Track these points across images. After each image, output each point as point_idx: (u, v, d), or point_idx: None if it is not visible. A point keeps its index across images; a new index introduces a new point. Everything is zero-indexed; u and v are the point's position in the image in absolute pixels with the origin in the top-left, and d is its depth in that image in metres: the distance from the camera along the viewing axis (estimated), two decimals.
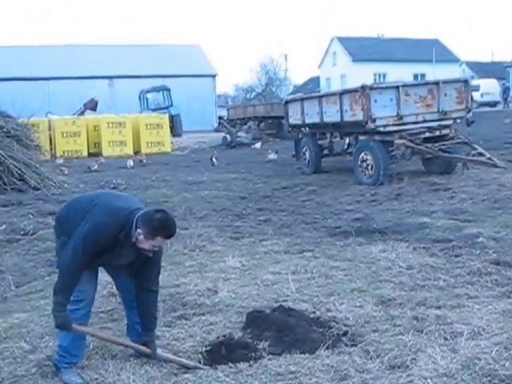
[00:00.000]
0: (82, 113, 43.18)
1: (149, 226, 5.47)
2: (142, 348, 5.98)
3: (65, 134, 33.45)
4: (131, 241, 5.56)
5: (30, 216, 14.37)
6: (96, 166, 26.08)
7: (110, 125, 34.19)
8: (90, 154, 33.34)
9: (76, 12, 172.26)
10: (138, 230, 5.49)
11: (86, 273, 5.70)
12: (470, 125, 19.91)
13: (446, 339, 6.03)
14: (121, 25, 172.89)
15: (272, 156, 26.72)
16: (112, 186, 19.65)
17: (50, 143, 33.00)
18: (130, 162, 26.91)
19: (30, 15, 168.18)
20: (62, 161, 28.15)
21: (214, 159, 26.35)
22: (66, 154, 32.46)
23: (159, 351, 6.03)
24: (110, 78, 61.89)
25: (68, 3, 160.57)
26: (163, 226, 5.51)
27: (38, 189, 18.47)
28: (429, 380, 5.16)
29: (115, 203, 5.77)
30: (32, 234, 12.38)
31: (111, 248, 5.61)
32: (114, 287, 8.20)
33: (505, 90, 56.05)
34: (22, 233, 12.56)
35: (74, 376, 5.70)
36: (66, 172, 23.78)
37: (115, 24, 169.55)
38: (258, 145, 32.58)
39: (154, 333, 6.09)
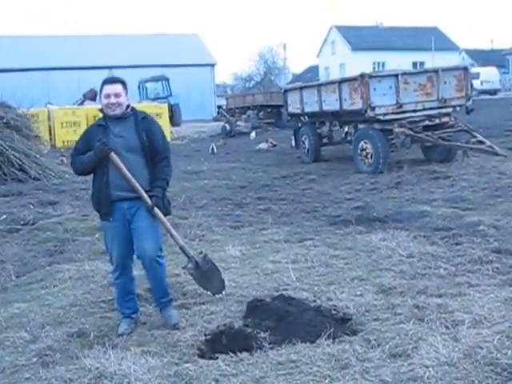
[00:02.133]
0: (82, 103, 43.05)
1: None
2: (146, 197, 6.48)
3: (64, 124, 33.30)
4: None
5: (30, 206, 14.41)
6: None
7: None
8: None
9: (75, 2, 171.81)
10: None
11: None
12: (469, 113, 19.83)
13: (447, 328, 6.01)
14: (120, 15, 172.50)
15: (262, 145, 26.76)
16: None
17: (50, 133, 32.90)
18: None
19: (30, 5, 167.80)
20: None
21: (214, 147, 26.39)
22: (65, 143, 32.39)
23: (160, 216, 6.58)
24: (110, 68, 61.66)
25: None
26: (104, 81, 6.65)
27: (38, 179, 18.50)
28: (430, 369, 5.15)
29: None
30: (32, 224, 12.37)
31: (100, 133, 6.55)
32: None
33: None
34: (22, 223, 12.56)
35: (123, 325, 6.66)
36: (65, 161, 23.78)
37: (114, 14, 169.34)
38: (253, 134, 32.51)
39: (159, 190, 6.57)
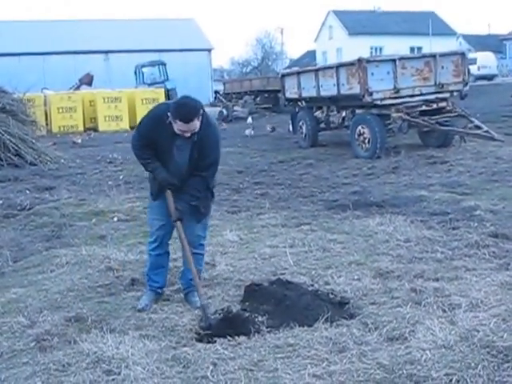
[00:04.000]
0: (78, 88, 42.93)
1: (171, 110, 6.20)
2: (173, 208, 6.54)
3: (60, 110, 33.30)
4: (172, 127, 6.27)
5: (27, 191, 14.42)
6: (80, 140, 26.16)
7: (106, 100, 34.09)
8: (86, 129, 33.26)
9: None
10: (169, 115, 6.22)
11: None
12: (463, 98, 19.91)
13: (444, 311, 6.04)
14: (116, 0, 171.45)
15: (248, 132, 26.82)
16: (108, 160, 19.64)
17: (46, 118, 32.82)
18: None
19: None
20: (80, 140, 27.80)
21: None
22: (61, 129, 32.39)
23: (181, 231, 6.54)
24: (106, 52, 61.74)
25: None
26: (176, 109, 6.18)
27: (35, 164, 18.51)
28: (427, 352, 5.16)
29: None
30: (29, 209, 12.35)
31: (167, 136, 6.38)
32: (112, 262, 8.30)
33: None
34: (18, 208, 12.56)
35: (145, 299, 6.87)
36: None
37: None
38: (249, 119, 32.52)
39: (183, 204, 6.53)
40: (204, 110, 6.34)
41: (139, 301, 6.87)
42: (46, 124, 32.08)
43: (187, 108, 6.18)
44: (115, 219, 11.39)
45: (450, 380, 4.73)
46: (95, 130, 33.06)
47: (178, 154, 6.51)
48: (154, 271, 7.02)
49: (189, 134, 6.25)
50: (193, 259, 6.57)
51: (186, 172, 6.56)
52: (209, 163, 6.56)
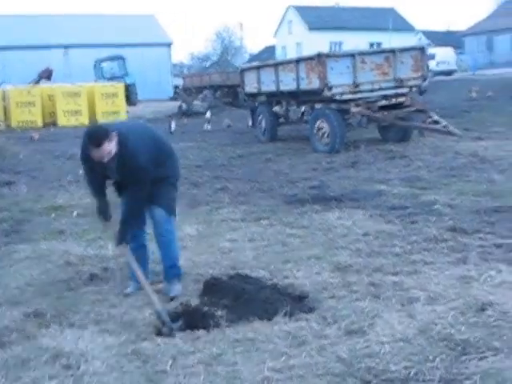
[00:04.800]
0: (37, 82, 42.50)
1: (84, 139, 6.57)
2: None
3: (19, 104, 32.77)
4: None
5: None
6: (37, 136, 26.03)
7: (65, 94, 33.65)
8: (45, 124, 32.94)
9: None
10: None
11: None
12: (422, 93, 20.09)
13: (402, 305, 6.08)
14: None
15: (205, 126, 26.95)
16: (68, 156, 19.48)
17: (5, 113, 32.62)
18: None
19: None
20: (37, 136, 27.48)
21: (172, 126, 26.35)
22: (20, 124, 32.02)
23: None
24: (65, 47, 61.17)
25: None
26: (86, 135, 6.54)
27: None
28: (386, 345, 5.21)
29: None
30: None
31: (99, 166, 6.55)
32: (71, 257, 8.29)
33: None
34: None
35: (132, 286, 7.07)
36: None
37: None
38: (208, 114, 32.45)
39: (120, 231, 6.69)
40: (120, 135, 6.44)
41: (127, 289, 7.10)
42: (5, 119, 31.82)
43: (95, 133, 6.44)
44: (74, 214, 11.34)
45: (409, 373, 4.77)
46: (54, 124, 32.74)
47: (111, 175, 6.76)
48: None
49: (105, 160, 6.40)
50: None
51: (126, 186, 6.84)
52: (133, 182, 6.67)
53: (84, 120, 33.06)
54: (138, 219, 6.95)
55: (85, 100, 33.90)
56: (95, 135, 6.38)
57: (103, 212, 6.86)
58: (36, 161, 18.73)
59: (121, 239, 6.64)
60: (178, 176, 7.48)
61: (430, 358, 4.96)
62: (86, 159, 6.63)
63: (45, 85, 38.93)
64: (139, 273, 6.55)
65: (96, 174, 6.80)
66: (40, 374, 5.11)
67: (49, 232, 10.15)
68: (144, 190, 6.68)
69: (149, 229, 7.27)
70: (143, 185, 6.65)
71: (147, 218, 7.11)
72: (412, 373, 4.76)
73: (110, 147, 6.31)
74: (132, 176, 6.58)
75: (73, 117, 33.23)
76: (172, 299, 6.70)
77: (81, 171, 15.66)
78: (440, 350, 5.07)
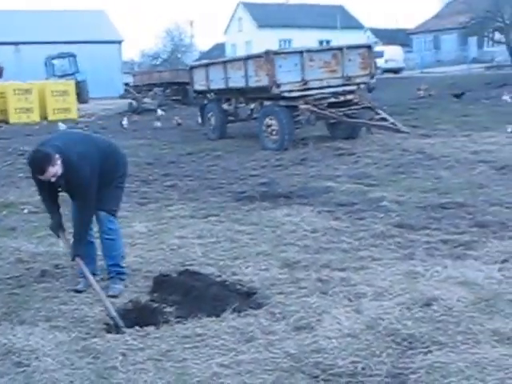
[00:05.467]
0: None
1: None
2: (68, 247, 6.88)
3: None
4: None
5: None
6: None
7: (17, 92, 33.36)
8: None
9: None
10: None
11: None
12: (371, 91, 20.30)
13: (350, 300, 6.15)
14: None
15: (156, 123, 27.10)
16: (19, 152, 19.32)
17: None
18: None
19: None
20: None
21: (124, 122, 26.35)
22: None
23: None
24: (16, 44, 60.47)
25: None
26: (29, 165, 6.58)
27: None
28: (333, 340, 5.25)
29: None
30: None
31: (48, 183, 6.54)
32: (22, 254, 8.27)
33: None
34: None
35: (81, 284, 7.04)
36: None
37: None
38: (159, 111, 32.41)
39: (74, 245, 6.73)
40: (63, 154, 6.40)
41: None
42: None
43: (36, 162, 6.40)
44: (25, 211, 11.28)
45: (356, 367, 4.83)
46: (6, 122, 32.42)
47: (61, 188, 6.80)
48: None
49: (54, 179, 6.41)
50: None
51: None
52: (79, 197, 6.76)
53: (35, 117, 32.85)
54: (88, 230, 6.97)
55: (36, 97, 33.69)
56: (37, 163, 6.37)
57: (56, 228, 6.89)
58: None
59: (75, 253, 6.63)
60: (126, 174, 7.48)
61: (377, 352, 5.03)
62: (36, 177, 6.61)
63: None
64: (93, 282, 6.52)
65: (47, 190, 6.80)
66: None
67: (0, 229, 10.09)
68: (90, 204, 6.74)
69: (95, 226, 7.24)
70: (89, 200, 6.70)
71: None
72: (359, 367, 4.82)
73: (55, 170, 6.31)
74: (78, 191, 6.66)
75: (24, 114, 33.00)
76: (111, 296, 6.68)
77: None
78: (386, 345, 5.14)
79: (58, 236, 6.98)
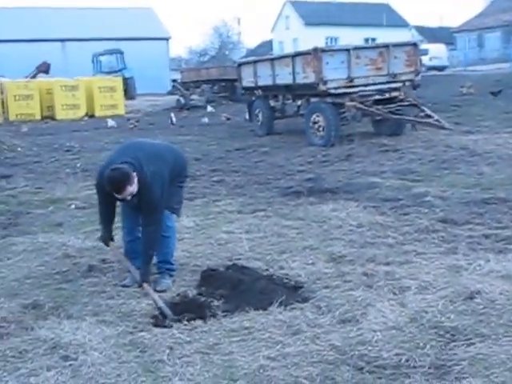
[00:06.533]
0: (35, 76, 42.45)
1: (105, 185, 6.45)
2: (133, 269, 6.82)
3: (17, 97, 32.77)
4: None
5: None
6: (26, 129, 26.42)
7: (63, 88, 33.63)
8: (43, 118, 32.94)
9: None
10: None
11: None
12: (416, 88, 20.20)
13: (394, 294, 6.21)
14: None
15: (203, 120, 27.41)
16: (66, 148, 19.58)
17: (2, 106, 32.66)
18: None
19: None
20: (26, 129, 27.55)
21: (173, 118, 26.60)
22: (18, 117, 32.01)
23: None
24: (63, 40, 61.03)
25: None
26: (107, 183, 6.39)
27: None
28: (378, 333, 5.33)
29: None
30: None
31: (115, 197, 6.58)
32: (69, 249, 8.31)
33: None
34: None
35: (128, 279, 7.11)
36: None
37: None
38: (209, 108, 32.59)
39: (141, 267, 6.73)
40: (139, 173, 6.47)
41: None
42: (3, 112, 31.88)
43: (116, 181, 6.33)
44: (72, 207, 11.38)
45: (400, 360, 4.89)
46: (53, 118, 32.76)
47: (129, 206, 6.92)
48: (130, 255, 7.04)
49: (129, 198, 6.48)
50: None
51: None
52: (148, 213, 6.75)
53: (82, 114, 33.10)
54: (157, 248, 6.96)
55: (83, 94, 33.92)
56: (117, 182, 6.34)
57: (106, 240, 7.00)
58: (34, 154, 18.76)
59: (143, 278, 6.61)
60: (187, 175, 7.69)
61: (421, 345, 5.09)
62: (102, 191, 6.65)
63: (42, 78, 38.92)
64: (153, 295, 6.50)
65: (109, 204, 6.87)
66: (38, 365, 5.14)
67: (47, 225, 10.17)
68: (159, 225, 6.78)
69: None
70: (158, 216, 6.75)
71: None
72: (403, 359, 4.88)
73: (132, 189, 6.36)
74: (147, 207, 6.67)
75: (71, 110, 33.27)
76: (158, 291, 6.72)
77: (79, 164, 15.98)
78: (430, 338, 5.21)
79: (107, 245, 7.06)
